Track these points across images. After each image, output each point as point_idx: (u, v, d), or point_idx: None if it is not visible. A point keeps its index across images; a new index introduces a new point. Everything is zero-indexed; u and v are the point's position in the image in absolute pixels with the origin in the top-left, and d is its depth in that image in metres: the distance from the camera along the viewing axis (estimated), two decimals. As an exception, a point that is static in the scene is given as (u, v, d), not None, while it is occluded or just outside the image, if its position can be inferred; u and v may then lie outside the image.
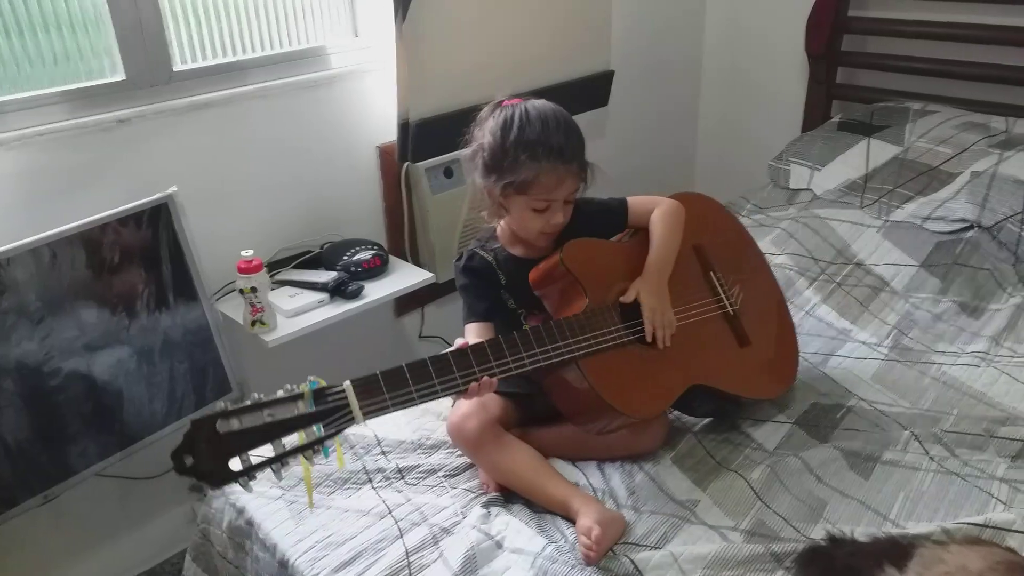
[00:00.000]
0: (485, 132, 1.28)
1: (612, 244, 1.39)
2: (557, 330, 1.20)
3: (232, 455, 0.91)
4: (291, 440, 0.94)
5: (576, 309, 1.26)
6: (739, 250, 1.53)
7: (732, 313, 1.41)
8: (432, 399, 1.07)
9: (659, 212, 1.38)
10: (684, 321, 1.34)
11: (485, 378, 1.11)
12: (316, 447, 0.95)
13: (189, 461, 0.89)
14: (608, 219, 1.41)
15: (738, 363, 1.40)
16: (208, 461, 0.89)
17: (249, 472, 0.91)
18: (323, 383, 0.98)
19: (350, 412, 0.98)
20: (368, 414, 1.00)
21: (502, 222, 1.37)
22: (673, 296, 1.34)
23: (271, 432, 0.91)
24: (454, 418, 1.31)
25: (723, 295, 1.42)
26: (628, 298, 1.29)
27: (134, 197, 1.56)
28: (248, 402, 0.93)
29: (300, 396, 0.94)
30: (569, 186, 1.27)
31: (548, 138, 1.23)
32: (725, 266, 1.46)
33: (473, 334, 1.33)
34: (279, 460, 0.93)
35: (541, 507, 1.25)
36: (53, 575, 1.74)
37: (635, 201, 1.41)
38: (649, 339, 1.28)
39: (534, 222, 1.29)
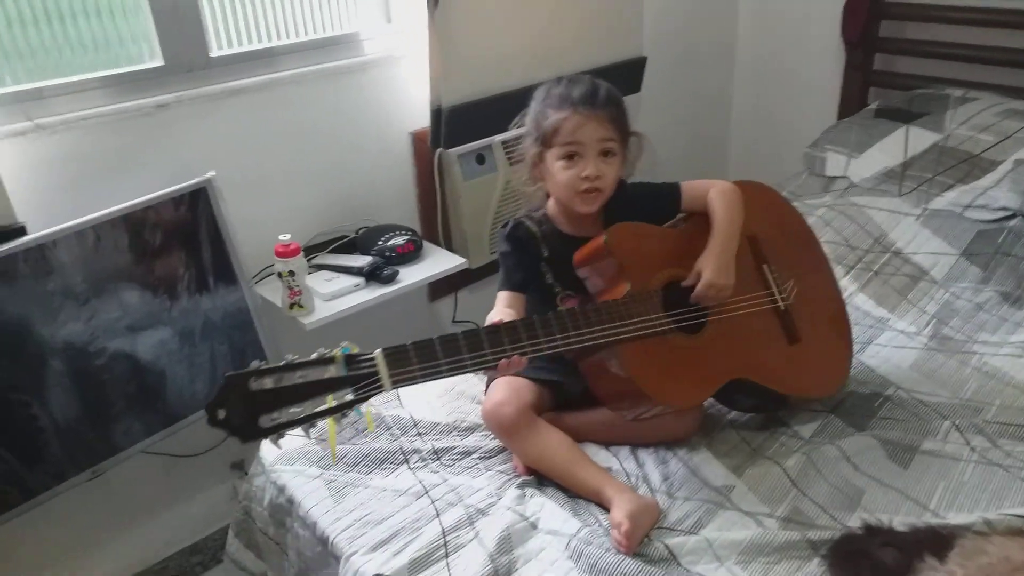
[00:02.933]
0: (531, 106, 1.35)
1: (661, 229, 1.36)
2: (595, 314, 1.19)
3: (262, 413, 0.94)
4: (320, 402, 0.97)
5: (617, 294, 1.25)
6: (797, 245, 1.47)
7: (783, 308, 1.37)
8: (460, 373, 1.08)
9: (716, 191, 1.36)
10: (732, 313, 1.31)
11: (516, 356, 1.11)
12: (344, 411, 0.97)
13: (222, 414, 0.92)
14: (659, 203, 1.38)
15: (785, 360, 1.36)
16: (239, 416, 0.92)
17: (277, 430, 0.94)
18: (356, 349, 1.00)
19: (379, 380, 1.00)
20: (397, 383, 1.02)
21: (551, 201, 1.37)
22: None
23: (301, 393, 0.94)
24: (489, 404, 1.32)
25: (775, 289, 1.38)
26: (691, 280, 1.27)
27: (174, 181, 1.59)
28: (282, 362, 0.96)
29: (332, 360, 0.97)
30: (595, 130, 1.27)
31: (572, 90, 1.29)
32: (780, 260, 1.41)
33: (503, 302, 1.33)
34: (307, 420, 0.95)
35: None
36: (101, 547, 1.79)
37: (689, 185, 1.39)
38: (695, 300, 1.27)
39: (568, 176, 1.28)
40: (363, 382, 0.98)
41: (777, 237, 1.43)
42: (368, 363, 1.00)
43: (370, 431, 1.16)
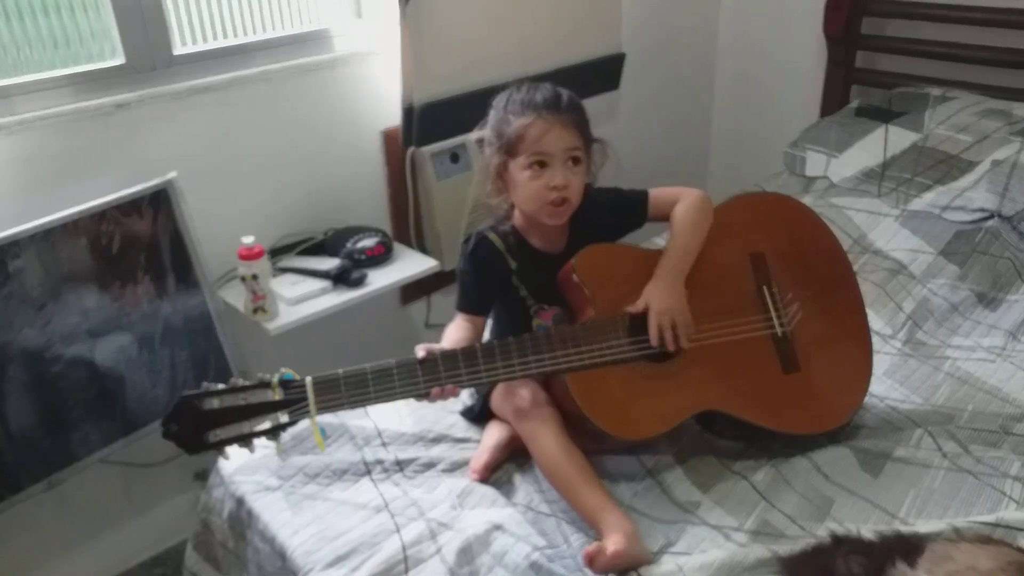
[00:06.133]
0: (491, 115, 1.29)
1: (635, 250, 1.30)
2: (545, 341, 1.17)
3: (209, 429, 1.07)
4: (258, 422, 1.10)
5: (582, 319, 1.22)
6: (815, 264, 1.36)
7: (781, 335, 1.30)
8: (389, 401, 1.14)
9: (682, 206, 1.30)
10: (717, 339, 1.25)
11: (449, 385, 1.13)
12: (277, 432, 1.10)
13: (174, 428, 1.07)
14: (625, 211, 1.34)
15: (773, 391, 1.28)
16: (188, 431, 1.07)
17: (219, 444, 1.08)
18: (296, 376, 1.11)
19: (307, 405, 1.09)
20: (322, 410, 1.10)
21: (517, 212, 1.32)
22: (712, 310, 1.26)
23: (243, 413, 1.08)
24: (506, 386, 1.28)
25: (773, 313, 1.30)
26: (637, 308, 1.22)
27: (134, 182, 1.55)
28: (226, 385, 1.08)
29: (270, 385, 1.09)
30: (561, 137, 1.21)
31: (535, 95, 1.24)
32: (789, 280, 1.32)
33: (456, 325, 1.32)
34: (244, 439, 1.09)
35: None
36: (57, 561, 1.75)
37: (657, 193, 1.33)
38: (655, 343, 1.20)
39: (535, 187, 1.22)
40: (295, 407, 1.09)
41: (791, 255, 1.33)
42: (300, 389, 1.09)
43: (321, 450, 1.22)
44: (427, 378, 1.13)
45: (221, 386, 1.08)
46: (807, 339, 1.31)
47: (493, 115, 1.28)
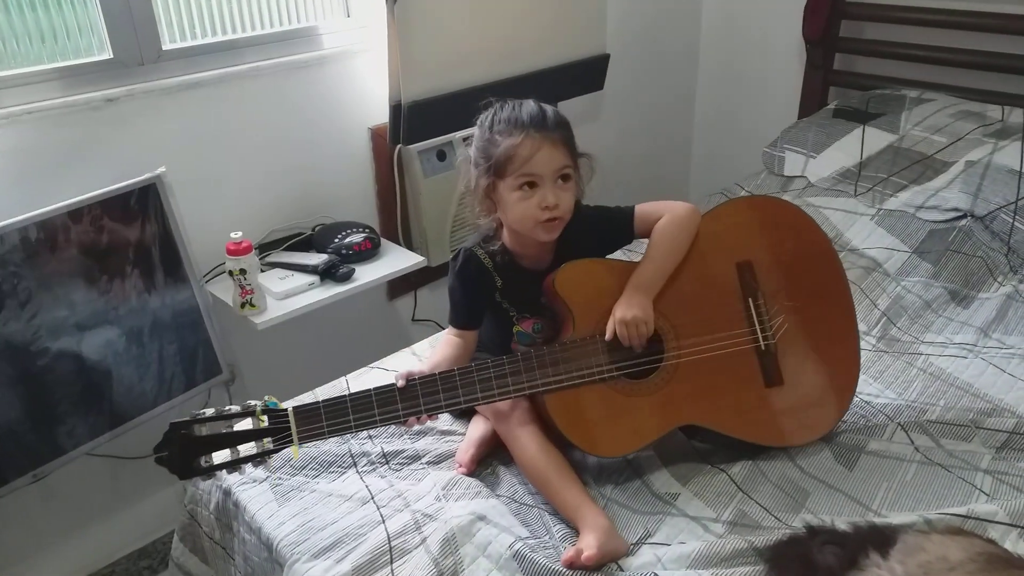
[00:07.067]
0: (475, 135, 1.28)
1: (615, 264, 1.28)
2: (524, 365, 1.19)
3: (198, 455, 1.11)
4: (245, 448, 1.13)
5: (565, 330, 1.24)
6: (806, 269, 1.33)
7: (764, 348, 1.28)
8: (370, 428, 1.17)
9: (664, 219, 1.28)
10: (697, 356, 1.25)
11: (425, 415, 1.17)
12: (263, 458, 1.13)
13: (165, 455, 1.10)
14: (612, 229, 1.33)
15: (755, 405, 1.28)
16: (178, 457, 1.10)
17: (208, 471, 1.12)
18: (279, 404, 1.14)
19: (290, 434, 1.13)
20: (304, 439, 1.13)
21: (505, 231, 1.31)
22: (696, 324, 1.26)
23: (230, 440, 1.12)
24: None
25: (757, 326, 1.29)
26: (608, 335, 1.21)
27: (123, 177, 1.56)
28: (214, 412, 1.11)
29: (254, 413, 1.12)
30: (551, 156, 1.20)
31: (520, 114, 1.22)
32: (778, 288, 1.30)
33: (445, 341, 1.34)
34: (231, 466, 1.12)
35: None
36: (43, 553, 1.75)
37: (643, 208, 1.31)
38: (608, 337, 1.21)
39: (526, 207, 1.21)
40: (279, 434, 1.12)
41: (781, 261, 1.31)
42: (283, 418, 1.12)
43: (295, 458, 1.27)
44: (406, 406, 1.15)
45: (209, 412, 1.10)
46: (793, 350, 1.30)
47: (478, 135, 1.26)
